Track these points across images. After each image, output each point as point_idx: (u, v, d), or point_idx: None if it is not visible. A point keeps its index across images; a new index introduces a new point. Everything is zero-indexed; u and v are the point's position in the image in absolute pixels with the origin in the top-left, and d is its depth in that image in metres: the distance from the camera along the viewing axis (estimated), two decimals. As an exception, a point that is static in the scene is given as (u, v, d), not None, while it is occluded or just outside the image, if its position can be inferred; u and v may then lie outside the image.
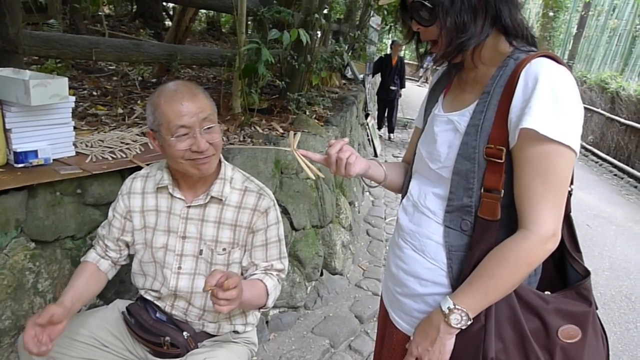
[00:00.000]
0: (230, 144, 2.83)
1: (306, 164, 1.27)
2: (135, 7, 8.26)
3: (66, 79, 1.85)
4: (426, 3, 1.04)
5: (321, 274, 3.41)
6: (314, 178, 1.12)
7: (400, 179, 1.38)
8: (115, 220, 1.63)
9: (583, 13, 15.88)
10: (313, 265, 3.23)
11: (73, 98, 1.96)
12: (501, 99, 1.02)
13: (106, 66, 4.33)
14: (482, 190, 1.04)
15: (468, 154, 1.06)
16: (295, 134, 1.27)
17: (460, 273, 1.09)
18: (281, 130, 3.24)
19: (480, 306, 1.03)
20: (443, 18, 1.03)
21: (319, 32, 4.04)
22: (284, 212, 3.02)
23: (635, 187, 8.23)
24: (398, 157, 8.25)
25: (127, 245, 1.67)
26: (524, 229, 0.99)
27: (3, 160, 1.81)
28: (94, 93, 3.47)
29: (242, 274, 1.62)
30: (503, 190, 1.02)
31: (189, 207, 1.56)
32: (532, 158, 0.96)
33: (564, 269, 1.14)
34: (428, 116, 1.27)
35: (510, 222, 1.03)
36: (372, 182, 1.33)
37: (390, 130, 9.72)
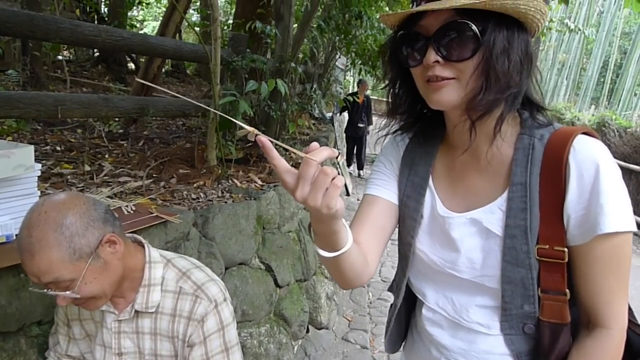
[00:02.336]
0: (209, 200, 2.67)
1: (282, 145, 0.77)
2: (96, 51, 8.09)
3: (32, 147, 1.68)
4: (473, 27, 0.81)
5: (307, 331, 3.23)
6: (302, 154, 0.71)
7: (357, 265, 0.94)
8: (60, 327, 1.42)
9: (534, 48, 16.65)
10: (299, 322, 3.05)
11: (39, 166, 1.78)
12: (542, 191, 0.88)
13: (70, 117, 4.12)
14: (539, 293, 0.90)
15: (520, 260, 0.89)
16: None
17: None
18: (260, 182, 3.11)
19: None
20: (497, 54, 0.81)
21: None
22: (268, 269, 2.85)
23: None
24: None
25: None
26: (604, 328, 0.88)
27: (-42, 240, 1.60)
28: (58, 148, 3.26)
29: None
30: (568, 290, 0.89)
31: (119, 320, 1.30)
32: (604, 255, 0.85)
33: (627, 339, 1.03)
34: (411, 198, 1.04)
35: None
36: (323, 247, 0.86)
37: (360, 167, 9.78)
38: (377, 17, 6.51)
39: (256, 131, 0.70)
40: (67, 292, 1.10)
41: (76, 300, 1.14)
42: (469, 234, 0.95)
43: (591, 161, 0.84)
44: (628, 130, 8.80)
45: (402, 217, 1.07)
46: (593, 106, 16.69)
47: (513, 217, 0.89)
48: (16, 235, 1.71)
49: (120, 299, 1.30)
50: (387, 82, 1.01)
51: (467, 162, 0.97)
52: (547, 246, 0.87)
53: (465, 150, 0.94)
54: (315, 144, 0.72)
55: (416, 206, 1.03)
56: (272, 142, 0.68)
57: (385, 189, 1.08)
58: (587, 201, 0.84)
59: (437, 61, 0.84)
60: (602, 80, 18.21)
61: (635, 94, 16.19)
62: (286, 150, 0.74)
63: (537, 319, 0.91)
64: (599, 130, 9.08)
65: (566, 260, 0.87)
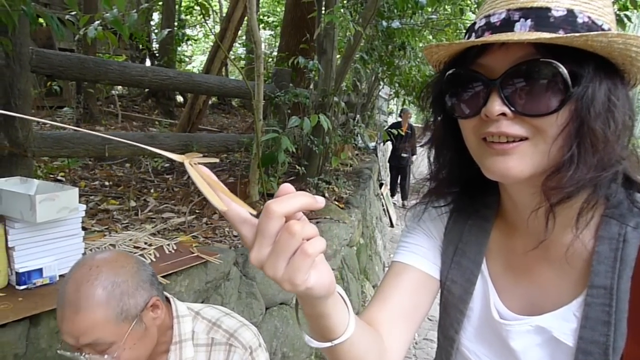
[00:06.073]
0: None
1: (208, 187, 0.48)
2: (147, 86, 8.44)
3: (76, 190, 1.69)
4: (562, 70, 0.58)
5: (350, 374, 3.10)
6: (222, 209, 0.48)
7: (367, 353, 0.67)
8: None
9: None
10: (341, 365, 2.93)
11: (83, 207, 1.80)
12: (634, 300, 0.64)
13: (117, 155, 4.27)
14: None
15: None
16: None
17: None
18: (302, 218, 3.06)
19: None
20: (597, 112, 0.59)
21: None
22: (309, 309, 2.77)
23: None
24: (415, 225, 8.01)
25: None
26: None
27: (4, 282, 1.62)
28: (106, 183, 3.35)
29: None
30: None
31: None
32: None
33: None
34: (457, 284, 0.81)
35: None
36: (311, 333, 0.63)
37: (404, 197, 9.60)
38: (421, 46, 6.47)
39: (188, 160, 0.48)
40: (105, 357, 1.02)
41: None
42: (533, 344, 0.73)
43: None
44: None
45: (445, 303, 0.85)
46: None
47: (590, 329, 0.66)
48: (61, 275, 1.73)
49: None
50: (427, 136, 0.79)
51: (531, 246, 0.74)
52: None
53: (539, 244, 0.70)
54: (287, 187, 0.49)
55: (464, 296, 0.80)
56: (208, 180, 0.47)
57: (421, 257, 0.83)
58: None
59: (504, 114, 0.61)
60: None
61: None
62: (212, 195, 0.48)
63: None
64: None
65: None
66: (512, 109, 0.61)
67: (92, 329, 1.00)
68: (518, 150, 0.62)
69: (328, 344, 0.61)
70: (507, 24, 0.62)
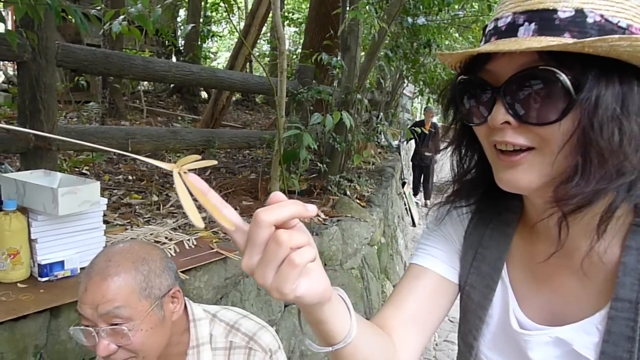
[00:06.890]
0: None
1: (190, 201, 0.47)
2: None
3: (98, 183, 1.71)
4: (563, 77, 0.55)
5: (368, 374, 3.07)
6: (200, 227, 0.47)
7: (373, 356, 0.65)
8: None
9: None
10: (360, 365, 2.90)
11: (105, 201, 1.81)
12: None
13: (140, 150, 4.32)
14: None
15: None
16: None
17: None
18: (323, 216, 3.03)
19: None
20: (601, 121, 0.55)
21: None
22: (328, 308, 2.75)
23: None
24: (437, 225, 7.92)
25: None
26: None
27: (26, 274, 1.64)
28: (130, 178, 3.39)
29: None
30: None
31: None
32: None
33: None
34: (476, 290, 0.78)
35: None
36: (316, 335, 0.61)
37: (427, 197, 9.52)
38: (447, 44, 6.37)
39: (178, 169, 0.46)
40: (124, 328, 1.01)
41: (114, 357, 1.04)
42: (552, 356, 0.69)
43: None
44: None
45: (464, 309, 0.82)
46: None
47: (613, 344, 0.62)
48: (82, 268, 1.74)
49: None
50: (450, 138, 0.77)
51: (554, 254, 0.70)
52: None
53: (553, 253, 0.66)
54: (277, 195, 0.48)
55: (482, 302, 0.77)
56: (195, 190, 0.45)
57: (439, 261, 0.81)
58: None
59: (508, 122, 0.59)
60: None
61: None
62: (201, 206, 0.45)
63: None
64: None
65: None
66: (516, 117, 0.59)
67: (116, 295, 1.00)
68: (525, 161, 0.61)
69: (328, 349, 0.60)
70: (512, 29, 0.60)
